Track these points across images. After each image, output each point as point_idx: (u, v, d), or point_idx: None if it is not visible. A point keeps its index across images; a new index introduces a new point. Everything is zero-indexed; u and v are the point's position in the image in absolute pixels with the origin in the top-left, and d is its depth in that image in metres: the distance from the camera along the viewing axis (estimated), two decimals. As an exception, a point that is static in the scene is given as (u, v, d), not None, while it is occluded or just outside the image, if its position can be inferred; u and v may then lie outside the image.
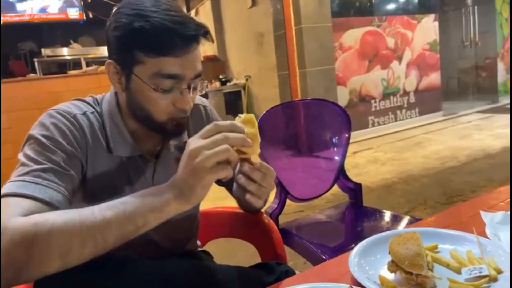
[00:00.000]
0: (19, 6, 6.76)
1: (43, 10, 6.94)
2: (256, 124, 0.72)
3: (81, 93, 0.98)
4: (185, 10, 7.94)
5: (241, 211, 1.11)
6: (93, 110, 0.87)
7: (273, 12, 5.12)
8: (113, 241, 0.63)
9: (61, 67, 6.74)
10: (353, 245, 0.80)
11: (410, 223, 1.45)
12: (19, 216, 0.62)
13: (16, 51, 7.74)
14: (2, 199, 0.66)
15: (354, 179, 1.72)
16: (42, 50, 6.33)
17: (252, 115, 0.73)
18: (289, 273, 0.91)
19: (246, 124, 0.71)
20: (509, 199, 0.98)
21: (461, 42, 7.03)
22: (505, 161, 3.49)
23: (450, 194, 2.99)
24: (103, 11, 7.23)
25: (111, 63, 0.82)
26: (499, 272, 0.67)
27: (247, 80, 6.56)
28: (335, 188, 1.73)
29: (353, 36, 5.32)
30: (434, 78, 6.22)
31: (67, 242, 0.60)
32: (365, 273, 0.70)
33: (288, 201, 1.59)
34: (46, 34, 7.46)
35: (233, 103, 6.84)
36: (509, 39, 7.11)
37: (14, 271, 0.59)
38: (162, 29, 0.74)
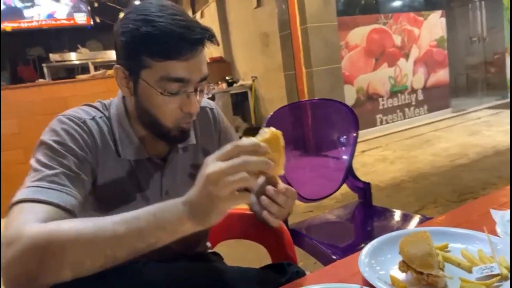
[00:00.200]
0: (27, 13, 6.86)
1: (50, 16, 7.04)
2: (282, 143, 0.66)
3: (89, 97, 1.00)
4: (190, 12, 7.98)
5: (251, 212, 1.12)
6: (102, 114, 0.88)
7: (278, 12, 5.12)
8: (125, 256, 0.64)
9: (70, 72, 6.80)
10: (363, 245, 0.80)
11: (420, 222, 1.44)
12: (35, 223, 0.63)
13: (24, 56, 7.83)
14: (17, 205, 0.68)
15: (362, 178, 1.71)
16: (51, 55, 6.42)
17: (278, 133, 0.66)
18: (300, 273, 0.91)
19: (271, 143, 0.64)
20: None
21: (468, 38, 6.97)
22: (516, 158, 3.45)
23: (461, 192, 2.96)
24: (110, 16, 7.32)
25: (119, 68, 0.83)
26: (510, 270, 0.67)
27: (253, 81, 6.56)
28: (344, 187, 1.73)
29: (359, 35, 5.30)
30: (442, 74, 6.17)
31: (78, 255, 0.61)
32: (375, 273, 0.70)
33: (297, 202, 1.56)
34: (54, 40, 7.54)
35: (240, 104, 6.86)
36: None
37: (27, 278, 0.60)
38: (168, 33, 0.75)
